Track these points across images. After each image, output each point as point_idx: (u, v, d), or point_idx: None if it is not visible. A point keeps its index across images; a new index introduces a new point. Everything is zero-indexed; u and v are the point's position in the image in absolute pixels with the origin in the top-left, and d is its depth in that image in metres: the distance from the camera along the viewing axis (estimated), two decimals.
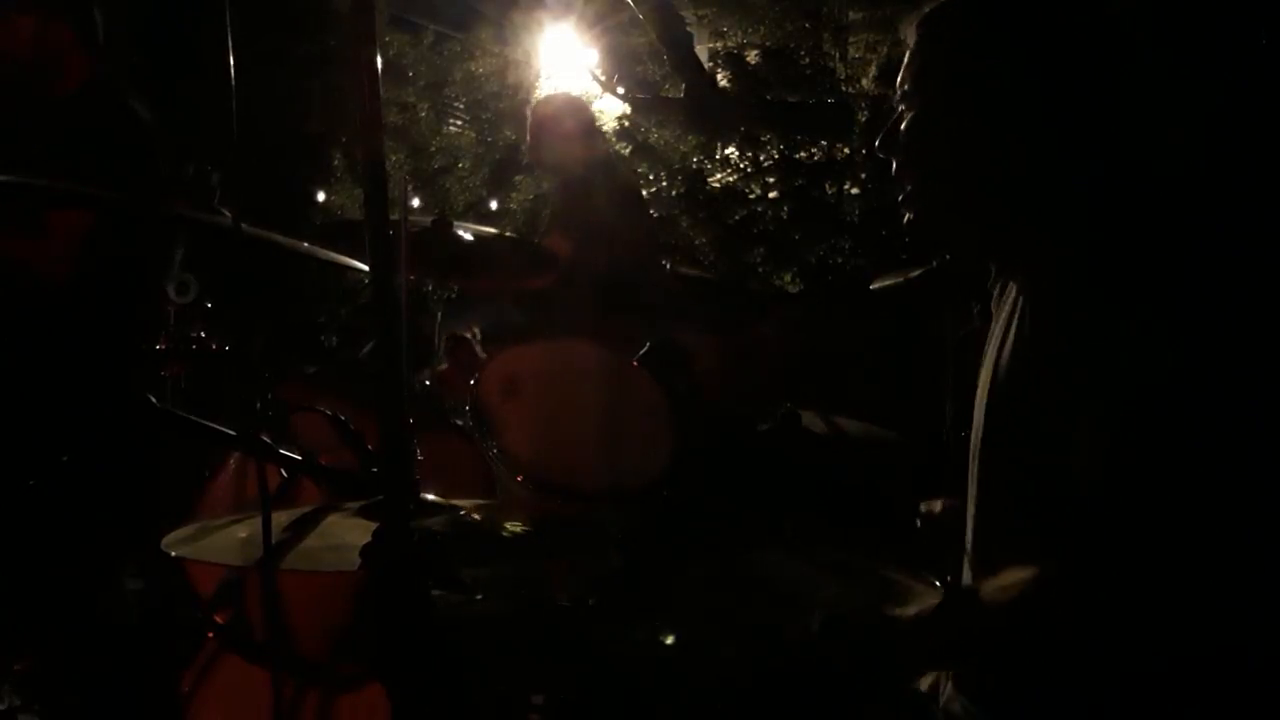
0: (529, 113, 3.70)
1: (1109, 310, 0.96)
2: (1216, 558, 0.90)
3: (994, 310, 1.22)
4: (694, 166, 7.00)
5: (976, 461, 1.14)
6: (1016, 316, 1.09)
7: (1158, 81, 1.13)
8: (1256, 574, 0.90)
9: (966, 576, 1.20)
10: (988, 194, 1.12)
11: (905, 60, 1.16)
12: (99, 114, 2.16)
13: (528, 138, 3.66)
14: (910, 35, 1.16)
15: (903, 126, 1.16)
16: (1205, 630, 0.91)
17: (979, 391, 1.16)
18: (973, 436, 1.16)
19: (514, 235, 3.12)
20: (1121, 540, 0.91)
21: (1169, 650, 0.92)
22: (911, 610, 1.03)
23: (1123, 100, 1.08)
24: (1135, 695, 0.95)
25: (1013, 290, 1.14)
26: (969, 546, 1.17)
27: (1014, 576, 0.97)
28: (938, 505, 1.26)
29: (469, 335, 2.98)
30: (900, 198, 1.19)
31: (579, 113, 3.59)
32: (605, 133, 3.74)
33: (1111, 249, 1.01)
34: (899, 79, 1.17)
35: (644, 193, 6.96)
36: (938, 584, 1.50)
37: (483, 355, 2.80)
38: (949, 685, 1.14)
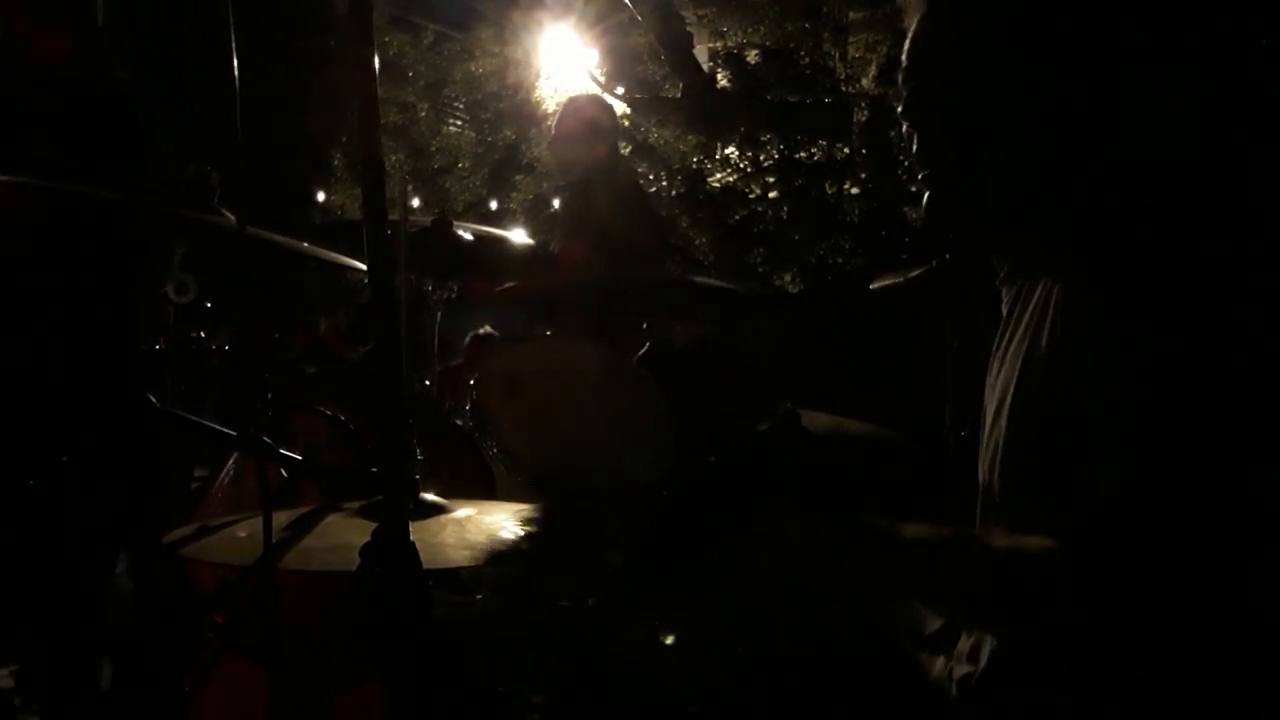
0: (557, 111, 3.74)
1: (1133, 314, 0.96)
2: (1233, 562, 0.90)
3: (1007, 311, 1.20)
4: (694, 166, 7.01)
5: (995, 465, 1.12)
6: (1044, 319, 1.07)
7: (1157, 79, 1.12)
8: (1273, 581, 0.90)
9: None
10: (1003, 188, 1.09)
11: (911, 37, 1.12)
12: (87, 96, 2.16)
13: (552, 132, 3.70)
14: (915, 10, 1.13)
15: (921, 95, 1.12)
16: (1207, 629, 0.91)
17: (996, 393, 1.14)
18: (988, 438, 1.14)
19: (513, 235, 3.13)
20: (1136, 534, 0.91)
21: (1168, 649, 0.92)
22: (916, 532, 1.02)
23: (1127, 95, 1.07)
24: (1132, 691, 0.95)
25: (1033, 291, 1.12)
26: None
27: (1027, 541, 0.97)
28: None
29: (491, 333, 3.00)
30: (921, 176, 1.16)
31: (603, 116, 3.63)
32: (614, 137, 3.74)
33: (1133, 251, 0.99)
34: (905, 49, 1.13)
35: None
36: None
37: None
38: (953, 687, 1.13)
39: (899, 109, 1.15)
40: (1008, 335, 1.16)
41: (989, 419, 1.15)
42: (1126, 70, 1.07)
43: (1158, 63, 1.10)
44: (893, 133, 5.71)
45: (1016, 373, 1.09)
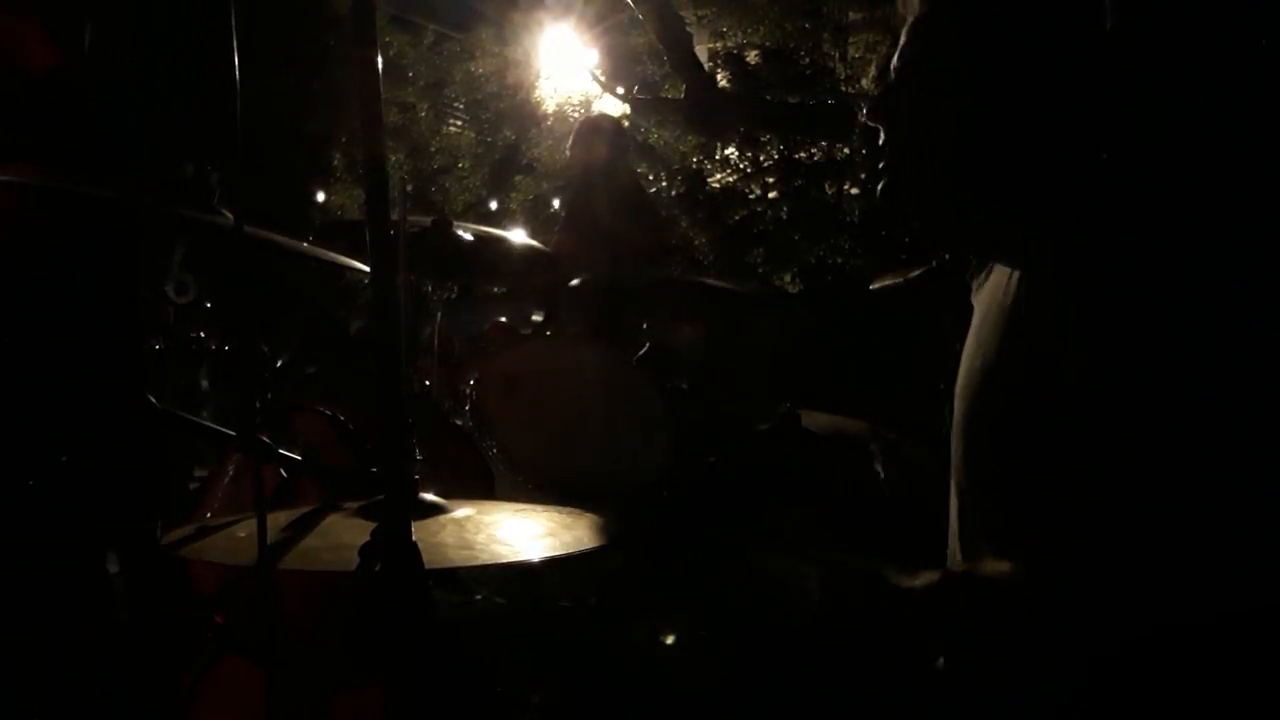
0: (574, 129, 3.83)
1: (1106, 307, 0.94)
2: (1215, 560, 0.89)
3: (974, 300, 1.18)
4: (694, 166, 7.01)
5: (960, 457, 1.11)
6: (1005, 307, 1.05)
7: (1145, 79, 1.12)
8: (1251, 579, 0.89)
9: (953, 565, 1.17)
10: (989, 179, 1.08)
11: (906, 31, 1.11)
12: (67, 105, 2.15)
13: (568, 149, 3.79)
14: (912, 5, 1.11)
15: (901, 97, 1.11)
16: (1189, 627, 0.91)
17: (962, 380, 1.13)
18: (955, 426, 1.13)
19: (513, 235, 3.13)
20: (1113, 539, 0.90)
21: (1149, 647, 0.91)
22: (908, 580, 1.03)
23: (1122, 88, 1.06)
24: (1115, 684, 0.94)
25: (996, 280, 1.11)
26: (954, 537, 1.14)
27: (998, 566, 0.97)
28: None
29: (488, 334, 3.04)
30: (881, 165, 1.15)
31: (607, 123, 3.72)
32: (620, 140, 3.80)
33: (1112, 244, 0.98)
34: (899, 48, 1.12)
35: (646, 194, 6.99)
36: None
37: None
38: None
39: (871, 105, 1.14)
40: (974, 325, 1.15)
41: (956, 406, 1.13)
42: (1112, 69, 1.06)
43: (1145, 63, 1.10)
44: None
45: (979, 360, 1.07)
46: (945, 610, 1.01)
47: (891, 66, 1.14)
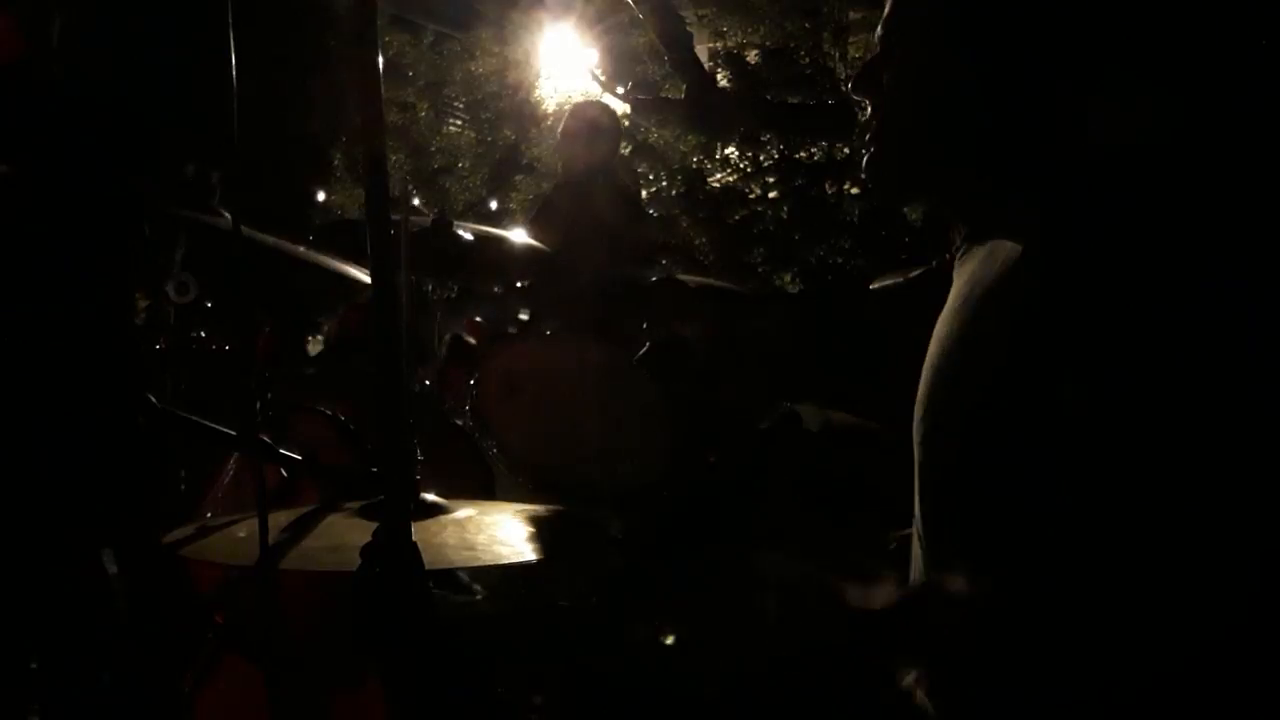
0: (566, 114, 3.76)
1: (1104, 306, 0.91)
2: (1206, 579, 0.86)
3: (956, 272, 1.12)
4: (694, 166, 7.02)
5: (920, 448, 1.03)
6: (990, 292, 0.99)
7: (1139, 77, 1.09)
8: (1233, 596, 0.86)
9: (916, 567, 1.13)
10: (973, 155, 1.04)
11: (891, 2, 1.08)
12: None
13: (559, 134, 3.73)
14: None
15: (885, 69, 1.08)
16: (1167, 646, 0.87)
17: (938, 362, 1.05)
18: (916, 415, 1.08)
19: (513, 235, 3.13)
20: (1107, 545, 0.87)
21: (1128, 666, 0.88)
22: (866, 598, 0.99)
23: (1110, 76, 1.03)
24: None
25: (982, 256, 1.04)
26: (917, 532, 1.10)
27: (956, 586, 0.93)
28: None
29: (466, 335, 3.03)
30: (867, 138, 1.11)
31: (603, 117, 3.67)
32: (616, 138, 3.76)
33: (1109, 242, 0.94)
34: (883, 17, 1.09)
35: (643, 193, 6.99)
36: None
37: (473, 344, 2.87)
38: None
39: (854, 78, 1.12)
40: (953, 300, 1.09)
41: (929, 389, 1.08)
42: (1105, 64, 1.04)
43: (1142, 60, 1.08)
44: None
45: (958, 344, 1.01)
46: (908, 631, 0.96)
47: (876, 36, 1.10)
